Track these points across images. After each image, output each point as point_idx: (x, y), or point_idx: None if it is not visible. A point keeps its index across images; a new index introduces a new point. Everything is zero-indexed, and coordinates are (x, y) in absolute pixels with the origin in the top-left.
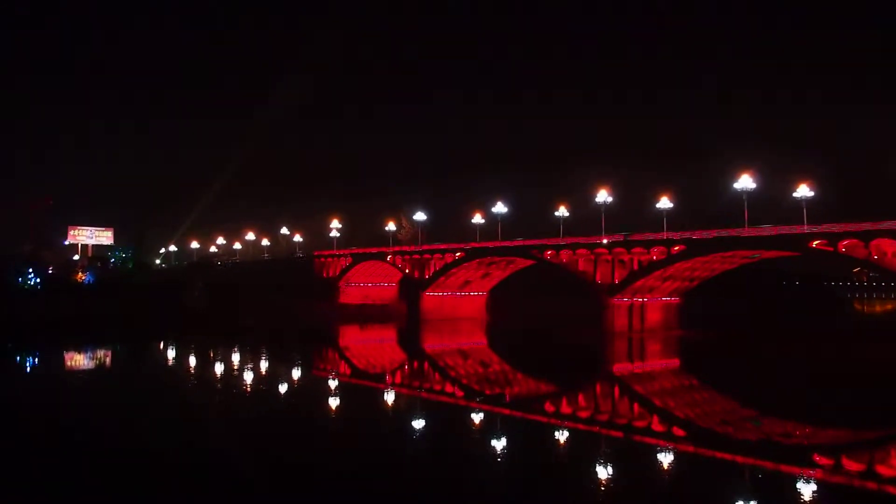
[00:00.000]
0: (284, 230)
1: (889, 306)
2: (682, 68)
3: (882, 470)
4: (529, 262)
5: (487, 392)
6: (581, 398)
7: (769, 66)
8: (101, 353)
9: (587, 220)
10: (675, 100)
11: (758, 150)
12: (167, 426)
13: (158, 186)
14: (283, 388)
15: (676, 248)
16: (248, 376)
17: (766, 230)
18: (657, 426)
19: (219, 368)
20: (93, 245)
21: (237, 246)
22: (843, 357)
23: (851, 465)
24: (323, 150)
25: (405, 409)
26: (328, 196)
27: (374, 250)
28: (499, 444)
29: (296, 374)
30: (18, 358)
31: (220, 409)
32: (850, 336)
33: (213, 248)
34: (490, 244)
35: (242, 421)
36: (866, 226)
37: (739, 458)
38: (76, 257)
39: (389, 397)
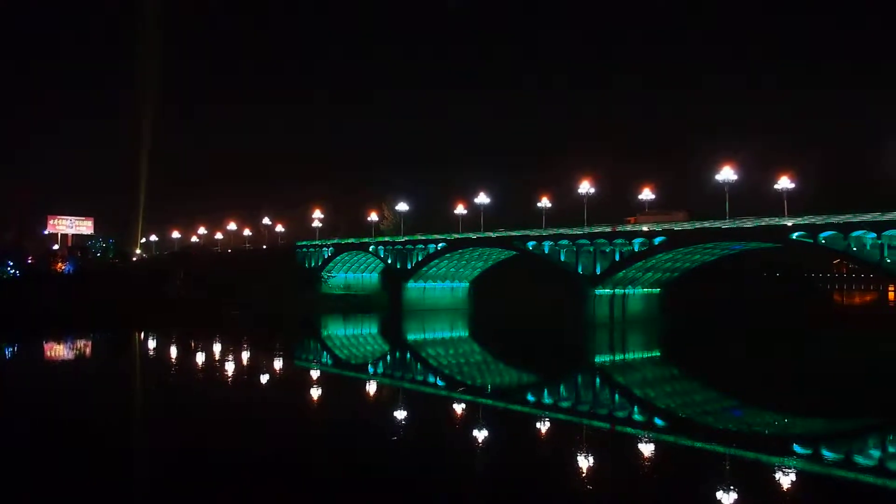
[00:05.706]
0: (266, 220)
1: (868, 297)
2: (681, 64)
3: (859, 459)
4: (512, 253)
5: (470, 382)
6: (563, 388)
7: (766, 60)
8: (80, 343)
9: (571, 210)
10: (672, 95)
11: (746, 141)
12: (153, 419)
13: (139, 176)
14: (264, 377)
15: (658, 239)
16: (230, 366)
17: (748, 222)
18: (639, 416)
19: (200, 358)
20: (73, 235)
21: (219, 236)
22: (820, 347)
23: (829, 454)
24: (305, 137)
25: (387, 399)
26: (311, 185)
27: (356, 240)
28: (480, 435)
29: (277, 364)
30: None
31: (201, 399)
32: (827, 326)
33: (194, 238)
34: (472, 235)
35: (222, 410)
36: (846, 218)
37: (720, 448)
38: (56, 247)
39: (371, 387)
